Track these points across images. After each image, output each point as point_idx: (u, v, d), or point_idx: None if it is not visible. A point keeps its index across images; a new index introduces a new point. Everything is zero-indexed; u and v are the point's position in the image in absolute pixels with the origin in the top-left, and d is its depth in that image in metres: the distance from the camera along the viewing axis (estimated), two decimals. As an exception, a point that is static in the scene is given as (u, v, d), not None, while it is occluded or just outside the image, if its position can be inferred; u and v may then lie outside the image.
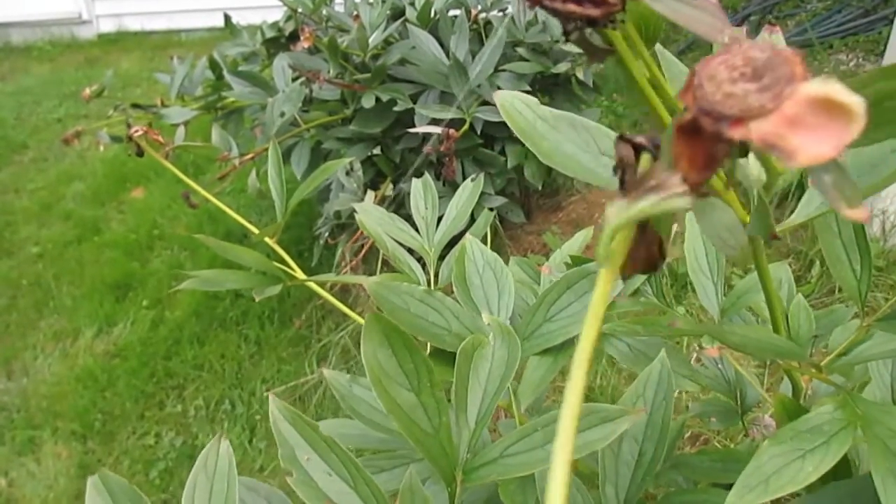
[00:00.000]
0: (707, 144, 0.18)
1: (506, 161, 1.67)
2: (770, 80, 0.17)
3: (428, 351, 0.68)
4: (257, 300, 0.74)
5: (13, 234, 2.59)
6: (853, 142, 0.16)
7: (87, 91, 1.79)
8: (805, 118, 0.17)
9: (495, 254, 0.70)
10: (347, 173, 1.58)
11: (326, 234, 1.73)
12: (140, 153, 0.87)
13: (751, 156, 0.27)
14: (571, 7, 0.19)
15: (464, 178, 1.63)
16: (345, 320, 1.86)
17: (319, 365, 1.76)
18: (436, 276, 0.76)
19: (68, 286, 2.27)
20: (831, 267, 0.50)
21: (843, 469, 0.46)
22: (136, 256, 2.36)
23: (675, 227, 0.31)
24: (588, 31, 0.21)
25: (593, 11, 0.19)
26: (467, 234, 0.72)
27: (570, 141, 0.32)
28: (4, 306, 2.22)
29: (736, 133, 0.17)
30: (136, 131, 0.87)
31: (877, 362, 0.58)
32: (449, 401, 0.47)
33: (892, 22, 2.24)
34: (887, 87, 0.25)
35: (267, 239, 0.82)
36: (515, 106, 0.33)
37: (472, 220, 0.82)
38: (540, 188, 1.87)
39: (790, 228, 0.35)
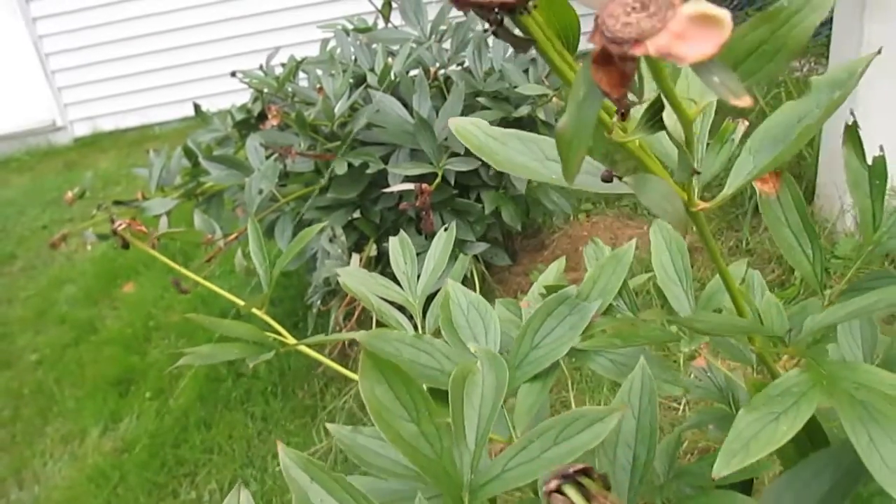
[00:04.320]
0: (618, 66, 0.23)
1: (483, 207, 1.72)
2: (655, 8, 0.22)
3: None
4: (251, 366, 0.77)
5: (10, 345, 2.60)
6: (746, 110, 0.21)
7: (70, 194, 1.83)
8: (687, 31, 0.22)
9: (478, 295, 0.73)
10: (331, 240, 1.62)
11: (318, 301, 1.76)
12: (126, 245, 0.91)
13: (668, 113, 0.33)
14: None
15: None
16: (347, 385, 1.87)
17: (327, 433, 1.77)
18: (422, 324, 0.80)
19: (70, 388, 2.28)
20: (785, 254, 0.54)
21: (819, 438, 0.48)
22: (134, 350, 2.38)
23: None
24: (507, 22, 0.26)
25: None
26: (447, 280, 0.76)
27: (520, 153, 0.39)
28: (9, 417, 2.22)
29: (637, 51, 0.22)
30: (120, 225, 0.90)
31: (847, 339, 0.60)
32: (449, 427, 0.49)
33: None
34: (762, 34, 0.32)
35: (258, 312, 0.85)
36: (469, 129, 0.39)
37: (456, 268, 0.85)
38: (520, 229, 1.91)
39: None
